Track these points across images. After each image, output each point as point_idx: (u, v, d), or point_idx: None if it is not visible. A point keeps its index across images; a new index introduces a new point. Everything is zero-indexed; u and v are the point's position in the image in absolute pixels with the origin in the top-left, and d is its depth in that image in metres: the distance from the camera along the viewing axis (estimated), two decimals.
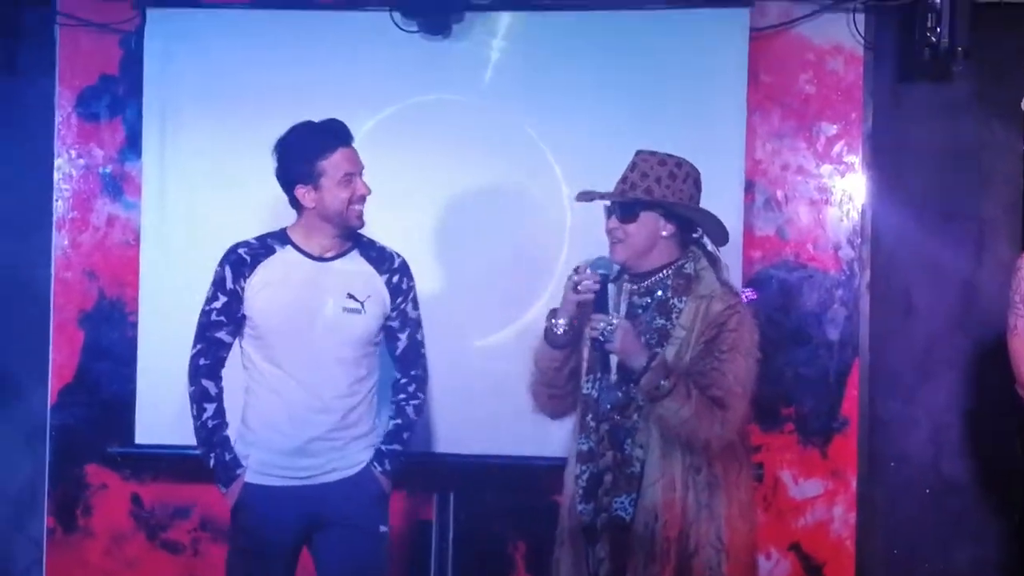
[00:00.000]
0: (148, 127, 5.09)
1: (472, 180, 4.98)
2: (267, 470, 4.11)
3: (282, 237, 4.18)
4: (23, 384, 5.33)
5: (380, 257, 4.20)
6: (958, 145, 5.16)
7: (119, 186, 5.22)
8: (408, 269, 4.24)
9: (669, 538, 3.77)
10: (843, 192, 5.09)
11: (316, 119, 4.18)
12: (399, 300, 4.19)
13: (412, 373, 4.25)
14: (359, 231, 4.16)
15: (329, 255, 4.14)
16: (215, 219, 5.02)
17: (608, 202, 3.89)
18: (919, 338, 5.18)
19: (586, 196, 3.92)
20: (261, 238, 4.19)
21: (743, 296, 3.99)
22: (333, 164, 4.04)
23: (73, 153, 5.25)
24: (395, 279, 4.19)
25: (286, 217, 4.77)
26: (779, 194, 5.12)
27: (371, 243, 4.23)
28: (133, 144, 5.17)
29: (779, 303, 5.08)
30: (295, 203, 4.11)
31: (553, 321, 3.86)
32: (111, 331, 5.19)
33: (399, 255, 4.23)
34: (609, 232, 3.88)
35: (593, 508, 3.84)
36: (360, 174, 4.09)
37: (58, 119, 5.25)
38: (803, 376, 5.08)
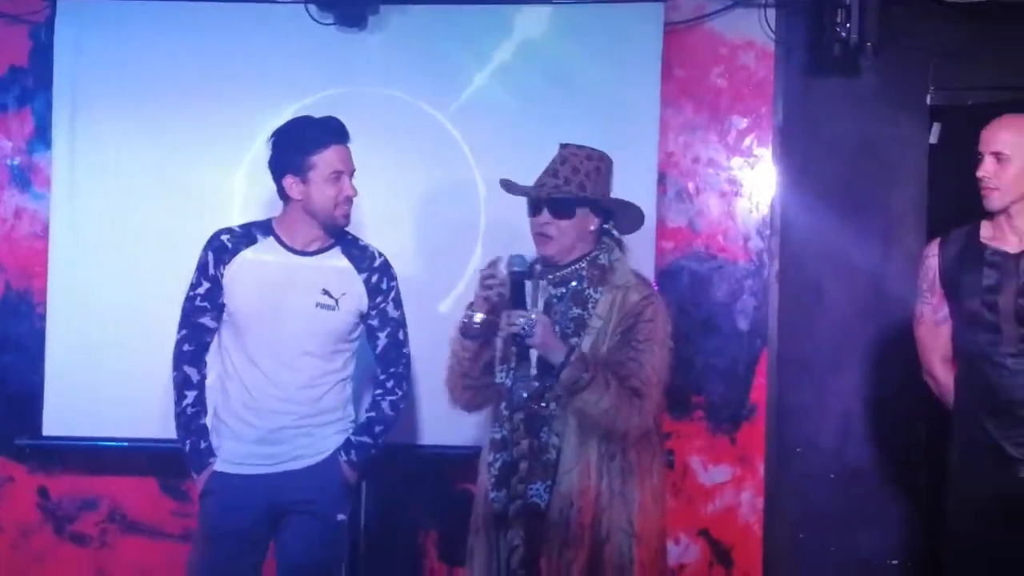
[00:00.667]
0: (58, 118, 5.03)
1: (387, 172, 4.93)
2: (234, 458, 4.14)
3: (266, 227, 4.20)
4: None
5: (361, 256, 4.22)
6: (866, 139, 5.23)
7: (27, 177, 5.15)
8: (390, 269, 4.26)
9: (583, 524, 3.84)
10: (753, 184, 5.16)
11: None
12: (378, 299, 4.21)
13: (392, 370, 4.27)
14: (345, 229, 4.18)
15: (310, 249, 4.16)
16: (126, 211, 4.99)
17: (526, 195, 3.92)
18: (827, 328, 5.25)
19: (521, 191, 3.94)
20: (246, 226, 4.22)
21: None
22: (324, 160, 4.06)
23: None
24: (374, 279, 4.20)
25: (199, 210, 4.77)
26: (691, 186, 5.17)
27: (354, 241, 4.24)
28: (42, 135, 5.11)
29: (690, 294, 5.15)
30: (283, 194, 4.12)
31: (469, 315, 3.90)
32: (18, 323, 5.13)
33: (381, 254, 4.25)
34: (540, 227, 3.90)
35: (506, 496, 3.87)
36: (350, 175, 4.11)
37: None
38: (713, 365, 5.16)
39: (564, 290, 3.92)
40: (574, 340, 3.84)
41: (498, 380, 3.91)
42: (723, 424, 5.18)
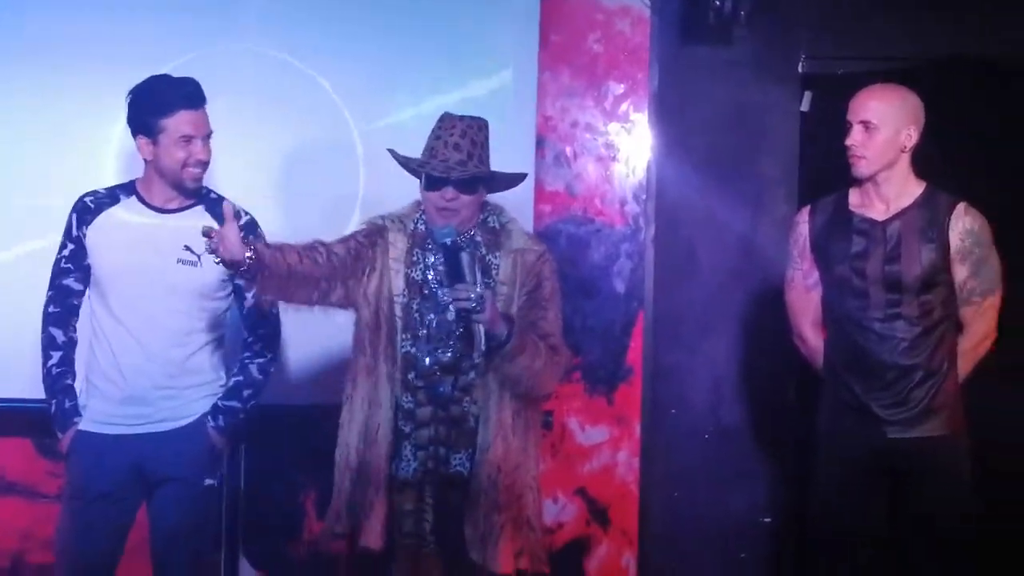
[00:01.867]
0: None
1: (263, 133, 4.94)
2: (99, 418, 4.15)
3: (129, 188, 4.22)
4: None
5: None
6: (739, 106, 5.32)
7: None
8: (256, 226, 4.25)
9: (509, 487, 3.92)
10: (630, 149, 5.24)
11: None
12: None
13: (259, 332, 4.28)
14: (207, 187, 4.19)
15: (171, 207, 4.17)
16: (34, 169, 4.91)
17: (447, 175, 3.87)
18: (701, 291, 5.34)
19: (439, 170, 3.88)
20: (111, 188, 4.24)
21: None
22: (174, 123, 4.06)
23: None
24: (240, 236, 4.17)
25: (72, 169, 4.72)
26: (568, 150, 5.24)
27: (219, 199, 4.22)
28: None
29: (568, 256, 5.19)
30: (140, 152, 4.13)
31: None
32: None
33: (247, 213, 4.24)
34: (447, 203, 3.90)
35: (419, 464, 3.91)
36: (204, 138, 4.11)
37: None
38: (590, 327, 5.23)
39: None
40: (510, 315, 3.88)
41: (403, 350, 3.92)
42: (600, 385, 5.26)
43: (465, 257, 3.79)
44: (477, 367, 3.89)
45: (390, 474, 3.92)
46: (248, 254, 3.68)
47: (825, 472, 4.41)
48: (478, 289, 3.74)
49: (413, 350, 3.91)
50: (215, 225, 4.03)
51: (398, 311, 3.93)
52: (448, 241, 3.80)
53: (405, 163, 4.01)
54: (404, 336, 3.92)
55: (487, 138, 3.98)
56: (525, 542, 3.98)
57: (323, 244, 3.95)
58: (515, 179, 4.08)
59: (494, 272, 3.95)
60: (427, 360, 3.90)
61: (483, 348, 3.80)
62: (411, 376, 3.92)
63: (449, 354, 3.89)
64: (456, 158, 3.89)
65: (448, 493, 3.93)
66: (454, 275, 3.78)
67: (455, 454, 3.92)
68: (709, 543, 5.32)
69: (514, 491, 3.95)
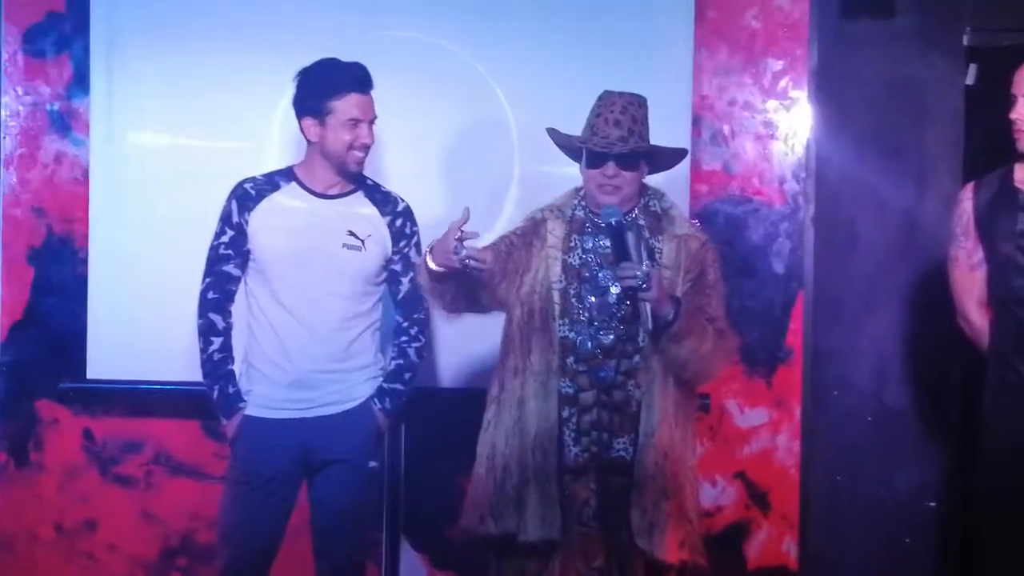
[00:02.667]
0: (95, 63, 5.04)
1: (420, 116, 4.97)
2: (266, 403, 4.21)
3: (288, 174, 4.27)
4: None
5: (384, 200, 4.28)
6: (901, 80, 5.20)
7: (67, 123, 5.18)
8: (411, 214, 4.31)
9: (674, 474, 3.91)
10: (789, 127, 5.15)
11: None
12: (402, 244, 4.26)
13: (414, 316, 4.33)
14: (365, 174, 4.23)
15: (332, 192, 4.22)
16: (165, 154, 5.04)
17: (608, 151, 3.87)
18: (863, 269, 5.25)
19: (603, 146, 3.86)
20: (268, 174, 4.29)
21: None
22: (343, 105, 4.11)
23: (20, 91, 5.19)
24: (398, 223, 4.26)
25: (237, 154, 4.80)
26: (725, 129, 5.16)
27: (376, 186, 4.30)
28: (80, 81, 5.12)
29: (726, 237, 5.11)
30: (303, 134, 4.19)
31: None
32: (61, 267, 5.16)
33: (403, 200, 4.30)
34: (608, 180, 3.89)
35: (582, 450, 3.90)
36: (369, 123, 4.15)
37: (4, 57, 5.18)
38: (749, 308, 5.15)
39: None
40: (677, 296, 3.87)
41: (560, 335, 3.91)
42: (759, 367, 5.18)
43: (631, 236, 3.78)
44: (642, 350, 3.87)
45: (546, 459, 3.90)
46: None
47: (991, 456, 4.29)
48: (644, 267, 3.73)
49: (572, 334, 3.90)
50: (376, 212, 4.20)
51: (555, 297, 3.91)
52: (613, 221, 3.79)
53: (566, 142, 4.01)
54: (562, 321, 3.91)
55: (647, 115, 3.96)
56: (686, 534, 3.96)
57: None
58: (677, 155, 4.06)
59: (657, 256, 3.93)
60: (588, 343, 3.88)
61: (650, 327, 3.78)
62: (570, 361, 3.90)
63: (612, 336, 3.88)
64: (617, 134, 3.87)
65: (611, 479, 3.91)
66: (620, 254, 3.77)
67: (618, 439, 3.91)
68: (872, 528, 5.23)
69: (677, 480, 3.93)
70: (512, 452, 3.93)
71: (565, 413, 3.90)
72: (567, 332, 3.90)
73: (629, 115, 3.89)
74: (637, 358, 3.89)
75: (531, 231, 4.01)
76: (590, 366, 3.89)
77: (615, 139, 3.86)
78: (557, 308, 3.91)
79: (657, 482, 3.89)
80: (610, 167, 3.88)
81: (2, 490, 5.22)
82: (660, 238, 3.96)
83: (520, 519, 3.90)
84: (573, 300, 3.91)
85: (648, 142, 3.93)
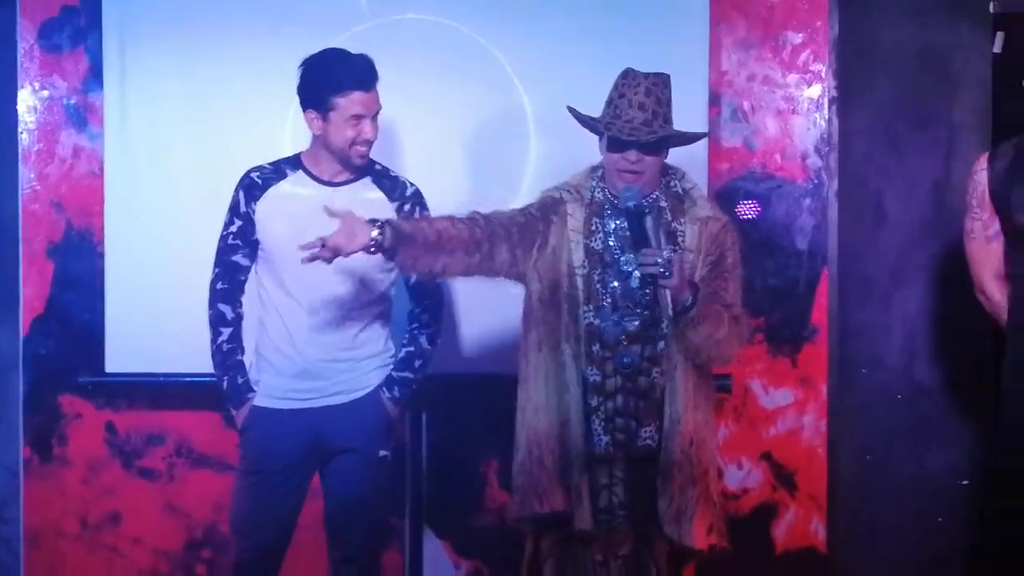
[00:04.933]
0: (108, 57, 5.04)
1: (435, 101, 4.92)
2: (275, 393, 4.20)
3: (295, 162, 4.24)
4: None
5: (392, 185, 4.23)
6: (926, 49, 5.10)
7: (84, 117, 5.18)
8: (422, 198, 4.26)
9: (701, 459, 3.88)
10: (810, 101, 5.05)
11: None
12: None
13: (425, 302, 4.29)
14: (374, 159, 4.19)
15: (339, 180, 4.18)
16: (179, 147, 5.03)
17: (637, 140, 3.80)
18: (889, 245, 5.15)
19: (628, 132, 3.79)
20: (276, 163, 4.26)
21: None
22: (346, 102, 4.06)
23: (36, 85, 5.19)
24: (407, 208, 4.21)
25: (252, 145, 4.77)
26: (745, 105, 5.07)
27: (384, 171, 4.26)
28: (96, 75, 5.11)
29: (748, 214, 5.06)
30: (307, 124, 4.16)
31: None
32: (80, 262, 5.17)
33: (412, 184, 4.26)
34: (631, 165, 3.82)
35: (610, 439, 3.87)
36: (373, 117, 4.10)
37: (20, 51, 5.19)
38: (772, 287, 5.07)
39: None
40: (696, 282, 3.83)
41: (586, 322, 3.87)
42: (784, 346, 5.10)
43: (650, 221, 3.74)
44: (667, 336, 3.83)
45: (582, 451, 3.88)
46: (375, 233, 3.69)
47: (1009, 431, 4.20)
48: (665, 253, 3.68)
49: (597, 321, 3.86)
50: (384, 197, 4.15)
51: (579, 284, 3.87)
52: (632, 205, 3.73)
53: (588, 123, 3.93)
54: (587, 308, 3.87)
55: (671, 96, 3.89)
56: (713, 518, 3.93)
57: (481, 213, 3.92)
58: (695, 139, 4.02)
59: (680, 239, 3.88)
60: (614, 330, 3.84)
61: (670, 314, 3.74)
62: (596, 348, 3.86)
63: (636, 322, 3.84)
64: (641, 118, 3.80)
65: (638, 467, 3.88)
66: (639, 239, 3.73)
67: (644, 427, 3.88)
68: (903, 508, 5.15)
69: (702, 465, 3.89)
70: (550, 434, 3.89)
71: (593, 402, 3.87)
72: (592, 319, 3.86)
73: (654, 97, 3.82)
74: (661, 344, 3.85)
75: (549, 208, 3.95)
76: (615, 352, 3.85)
77: (639, 123, 3.79)
78: (582, 295, 3.87)
79: (684, 469, 3.86)
80: (633, 153, 3.82)
81: (27, 485, 5.24)
82: (682, 220, 3.91)
83: (571, 502, 3.87)
84: (598, 286, 3.86)
85: (671, 124, 3.87)
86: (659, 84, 3.85)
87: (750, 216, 4.96)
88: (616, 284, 3.85)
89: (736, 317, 3.87)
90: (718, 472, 4.12)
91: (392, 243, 3.73)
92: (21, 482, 5.26)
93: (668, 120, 3.85)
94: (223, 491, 5.06)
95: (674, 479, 3.85)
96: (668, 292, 3.70)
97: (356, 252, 3.74)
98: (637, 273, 3.79)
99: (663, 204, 3.90)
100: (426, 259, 3.81)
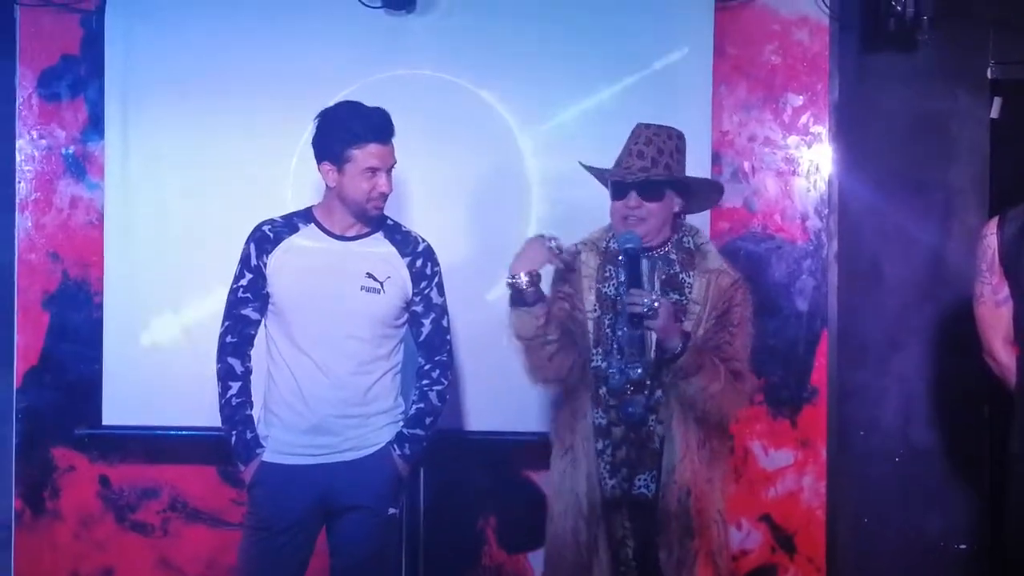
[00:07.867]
0: (110, 108, 5.06)
1: (435, 156, 4.91)
2: (284, 448, 4.14)
3: (307, 215, 4.20)
4: None
5: (404, 240, 4.21)
6: (925, 114, 5.15)
7: (82, 167, 5.17)
8: (433, 254, 4.24)
9: (700, 512, 3.87)
10: (810, 162, 5.08)
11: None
12: (423, 285, 4.18)
13: (436, 359, 4.24)
14: (386, 214, 4.17)
15: (351, 234, 4.15)
16: (180, 199, 5.02)
17: (623, 179, 3.88)
18: (888, 307, 5.18)
19: (616, 175, 3.89)
20: (287, 216, 4.22)
21: None
22: (363, 155, 4.04)
23: (35, 134, 5.20)
24: (418, 263, 4.18)
25: (252, 198, 4.76)
26: (746, 165, 5.10)
27: (396, 226, 4.23)
28: (96, 124, 5.13)
29: (747, 274, 4.90)
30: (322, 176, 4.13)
31: (517, 280, 3.85)
32: (76, 312, 5.15)
33: (424, 240, 4.23)
34: (630, 211, 3.88)
35: (617, 483, 3.89)
36: (388, 170, 4.09)
37: (19, 100, 5.19)
38: (772, 347, 5.06)
39: None
40: (687, 330, 3.85)
41: (594, 364, 3.90)
42: (784, 407, 5.10)
43: (645, 263, 3.80)
44: (664, 385, 3.84)
45: (591, 493, 3.91)
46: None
47: (1019, 497, 4.19)
48: (653, 296, 3.72)
49: (604, 365, 3.88)
50: (396, 252, 4.14)
51: (590, 327, 3.91)
52: (629, 247, 3.79)
53: (598, 175, 4.02)
54: (595, 351, 3.91)
55: (678, 147, 3.94)
56: (716, 574, 3.91)
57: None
58: (711, 189, 4.09)
59: (687, 290, 3.91)
60: (618, 377, 3.84)
61: (651, 357, 3.77)
62: (602, 392, 3.89)
63: (640, 370, 3.84)
64: (639, 164, 3.87)
65: (643, 515, 3.89)
66: (633, 282, 3.77)
67: (639, 475, 3.88)
68: (901, 572, 5.15)
69: (703, 519, 3.87)
70: (580, 502, 3.93)
71: (599, 445, 3.89)
72: (599, 362, 3.89)
73: (654, 146, 3.88)
74: (660, 392, 3.86)
75: (569, 262, 3.99)
76: (620, 401, 3.87)
77: (636, 169, 3.86)
78: (591, 338, 3.90)
79: (680, 520, 3.85)
80: (632, 198, 3.87)
81: (18, 538, 5.18)
82: (691, 272, 3.94)
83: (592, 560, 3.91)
84: (607, 331, 3.89)
85: (675, 172, 3.91)
86: (662, 134, 3.91)
87: None
88: (624, 330, 3.85)
89: (737, 372, 3.87)
90: (726, 531, 4.06)
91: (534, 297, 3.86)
92: (12, 535, 5.19)
93: (671, 168, 3.90)
94: (217, 547, 5.05)
95: (671, 529, 3.85)
96: (652, 335, 3.74)
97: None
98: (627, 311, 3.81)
99: (673, 256, 3.94)
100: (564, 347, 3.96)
